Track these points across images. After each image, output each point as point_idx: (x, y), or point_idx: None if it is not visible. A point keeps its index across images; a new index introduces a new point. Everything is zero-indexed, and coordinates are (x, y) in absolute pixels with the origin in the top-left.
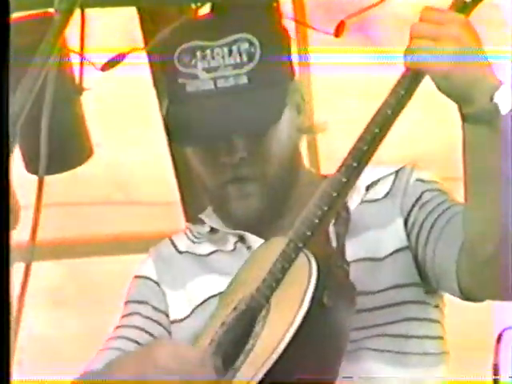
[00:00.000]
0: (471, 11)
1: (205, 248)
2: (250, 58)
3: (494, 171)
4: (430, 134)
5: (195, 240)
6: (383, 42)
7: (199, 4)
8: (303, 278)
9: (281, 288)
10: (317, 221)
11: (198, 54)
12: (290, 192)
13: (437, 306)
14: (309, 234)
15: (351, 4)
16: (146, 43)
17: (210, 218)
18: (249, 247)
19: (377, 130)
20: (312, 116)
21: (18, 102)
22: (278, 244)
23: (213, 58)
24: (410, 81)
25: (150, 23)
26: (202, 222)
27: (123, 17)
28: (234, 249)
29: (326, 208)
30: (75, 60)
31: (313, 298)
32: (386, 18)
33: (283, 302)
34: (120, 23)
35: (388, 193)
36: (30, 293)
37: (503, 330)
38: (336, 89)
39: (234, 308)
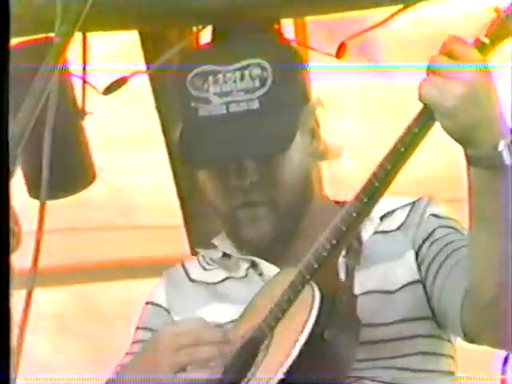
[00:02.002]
0: (489, 52)
1: (217, 275)
2: (262, 83)
3: (497, 217)
4: (432, 156)
5: (207, 267)
6: (384, 63)
7: (200, 27)
8: (305, 311)
9: (284, 319)
10: (325, 254)
11: (211, 78)
12: (302, 217)
13: (449, 340)
14: (316, 266)
15: (352, 25)
16: (148, 66)
17: (222, 243)
18: (260, 274)
19: (389, 167)
20: (325, 141)
21: (19, 124)
22: (290, 274)
23: (225, 82)
24: (425, 119)
25: (151, 46)
26: (215, 247)
27: (125, 40)
28: (246, 275)
29: (334, 241)
30: (77, 84)
31: (312, 332)
32: (387, 39)
33: (284, 334)
34: (122, 47)
35: (402, 225)
36: (34, 319)
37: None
38: (334, 110)
39: (242, 336)
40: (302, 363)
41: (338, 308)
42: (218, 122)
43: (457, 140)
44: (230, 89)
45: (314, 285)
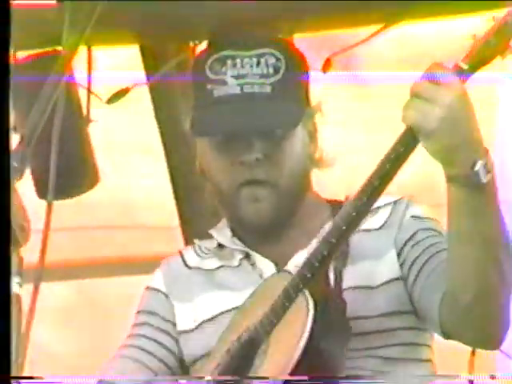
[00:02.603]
0: (468, 78)
1: (212, 263)
2: (276, 71)
3: (474, 231)
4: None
5: (202, 255)
6: (367, 80)
7: (197, 42)
8: (300, 323)
9: (280, 326)
10: (317, 264)
11: (229, 62)
12: (298, 205)
13: (427, 330)
14: (309, 276)
15: (338, 41)
16: (148, 78)
17: (219, 234)
18: (253, 264)
19: (376, 183)
20: (322, 149)
21: (29, 128)
22: (284, 279)
23: (242, 66)
24: (409, 138)
25: (151, 59)
26: (211, 237)
27: (127, 54)
28: (240, 265)
29: (325, 253)
30: (83, 93)
31: (308, 344)
32: (369, 56)
33: (281, 343)
34: (124, 60)
35: (384, 224)
36: (41, 311)
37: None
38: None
39: (239, 337)
40: (299, 372)
41: (330, 316)
42: (233, 101)
43: (437, 160)
44: (246, 72)
45: (308, 294)
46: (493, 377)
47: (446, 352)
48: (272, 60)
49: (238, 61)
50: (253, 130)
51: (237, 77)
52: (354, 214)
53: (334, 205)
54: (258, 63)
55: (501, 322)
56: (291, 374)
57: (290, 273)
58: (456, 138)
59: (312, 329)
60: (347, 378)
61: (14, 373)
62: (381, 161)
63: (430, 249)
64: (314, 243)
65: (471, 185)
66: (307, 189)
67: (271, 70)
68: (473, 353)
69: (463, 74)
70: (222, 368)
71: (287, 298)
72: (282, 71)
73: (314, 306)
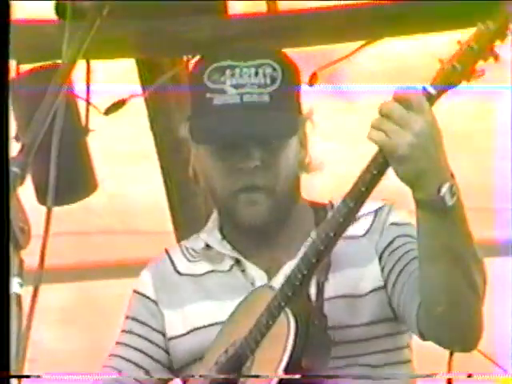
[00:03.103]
0: (436, 101)
1: (202, 267)
2: (273, 81)
3: (442, 250)
4: None
5: (191, 259)
6: (350, 93)
7: (190, 56)
8: (282, 341)
9: (264, 344)
10: (297, 283)
11: (228, 72)
12: (291, 209)
13: (406, 332)
14: (290, 294)
15: (324, 56)
16: (144, 90)
17: (208, 235)
18: (243, 270)
19: (352, 204)
20: (310, 155)
21: (30, 137)
22: (268, 294)
23: (241, 76)
24: (383, 160)
25: (146, 73)
26: (197, 238)
27: (123, 67)
28: (230, 269)
29: (305, 272)
30: (82, 105)
31: (290, 361)
32: (353, 70)
33: (264, 361)
34: (121, 73)
35: (367, 231)
36: (41, 312)
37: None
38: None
39: (226, 350)
40: None
41: (311, 333)
42: (232, 109)
43: (405, 183)
44: (245, 82)
45: (289, 312)
46: (470, 375)
47: (426, 352)
48: (269, 70)
49: (237, 70)
50: (252, 139)
51: (236, 86)
52: (332, 233)
53: (316, 207)
54: (257, 73)
55: (474, 326)
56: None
57: (273, 289)
58: (424, 164)
59: (293, 347)
60: (334, 377)
61: (14, 370)
62: (354, 183)
63: (406, 256)
64: (302, 252)
65: (438, 208)
66: (299, 193)
67: (269, 80)
68: (451, 352)
69: (431, 96)
70: (209, 382)
71: (270, 316)
72: (278, 81)
73: (295, 324)
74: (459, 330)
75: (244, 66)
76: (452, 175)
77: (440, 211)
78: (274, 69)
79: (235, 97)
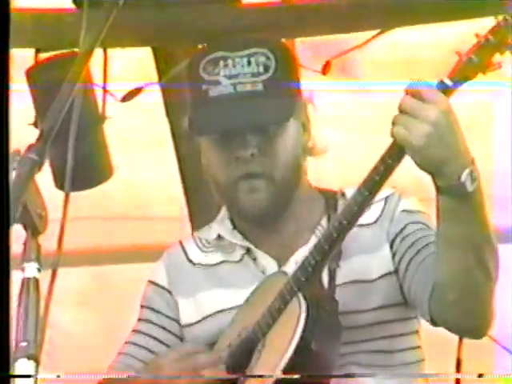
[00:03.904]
0: (452, 93)
1: (214, 257)
2: (266, 69)
3: (458, 235)
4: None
5: (204, 249)
6: (362, 82)
7: (204, 45)
8: (293, 325)
9: (275, 327)
10: (310, 269)
11: (221, 63)
12: (293, 194)
13: (416, 317)
14: (303, 280)
15: (336, 46)
16: (160, 78)
17: (219, 226)
18: (254, 259)
19: (367, 193)
20: (314, 138)
21: (48, 122)
22: (282, 280)
23: (234, 66)
24: (397, 150)
25: (162, 61)
26: (209, 229)
27: (140, 56)
28: (241, 259)
29: (318, 258)
30: (99, 92)
31: (300, 344)
32: (365, 60)
33: (275, 343)
34: (137, 61)
35: (378, 219)
36: (58, 294)
37: None
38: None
39: (239, 334)
40: (291, 371)
41: (322, 317)
42: (226, 100)
43: (425, 172)
44: (237, 72)
45: (301, 297)
46: (480, 375)
47: (435, 337)
48: (262, 59)
49: (230, 61)
50: (247, 127)
51: (229, 76)
52: (346, 222)
53: (327, 195)
54: (249, 63)
55: (486, 314)
56: (283, 373)
57: (286, 274)
58: (443, 152)
59: (303, 331)
60: (337, 376)
61: (33, 351)
62: (369, 172)
63: (419, 242)
64: (313, 240)
65: (458, 194)
66: (301, 178)
67: (262, 69)
68: (461, 338)
69: (448, 89)
70: (223, 362)
71: (282, 301)
72: (272, 69)
73: (307, 308)
74: (471, 316)
75: (236, 56)
76: (472, 161)
77: (461, 197)
78: (268, 57)
79: (229, 87)
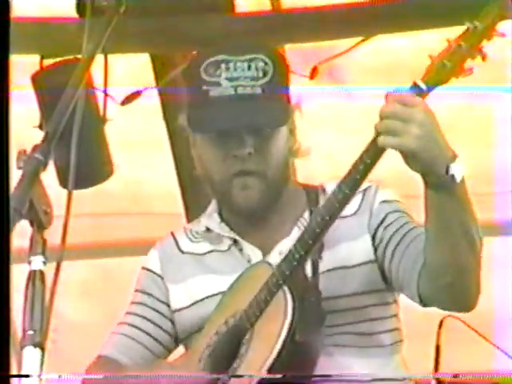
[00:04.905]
0: (426, 96)
1: (203, 247)
2: (265, 74)
3: (450, 225)
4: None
5: (194, 239)
6: (348, 86)
7: (204, 49)
8: (280, 316)
9: (263, 318)
10: (295, 263)
11: (223, 66)
12: (282, 191)
13: (395, 301)
14: (288, 273)
15: (324, 52)
16: (157, 82)
17: (208, 219)
18: (241, 250)
19: (347, 191)
20: (299, 142)
21: (53, 124)
22: (265, 270)
23: (235, 69)
24: (376, 151)
25: (160, 67)
26: (199, 222)
27: (139, 61)
28: (229, 249)
29: (302, 252)
30: (100, 96)
31: (286, 337)
32: (350, 64)
33: (263, 335)
34: (136, 67)
35: (357, 211)
36: (62, 286)
37: (444, 317)
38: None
39: (226, 321)
40: (279, 361)
41: (306, 309)
42: (227, 101)
43: (418, 172)
44: (238, 75)
45: (287, 290)
46: (456, 375)
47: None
48: (261, 64)
49: (231, 65)
50: (246, 128)
51: (230, 79)
52: (328, 217)
53: (308, 190)
54: (249, 67)
55: (475, 291)
56: (272, 363)
57: (270, 264)
58: (433, 150)
59: (291, 322)
60: (321, 376)
61: (39, 339)
62: (348, 170)
63: (401, 230)
64: (295, 231)
65: (447, 187)
66: (289, 177)
67: (261, 73)
68: (440, 325)
69: (422, 93)
70: (211, 348)
71: (269, 293)
72: (270, 74)
73: (293, 301)
74: (464, 296)
75: (238, 61)
76: (454, 153)
77: (450, 188)
78: (266, 63)
79: (230, 89)
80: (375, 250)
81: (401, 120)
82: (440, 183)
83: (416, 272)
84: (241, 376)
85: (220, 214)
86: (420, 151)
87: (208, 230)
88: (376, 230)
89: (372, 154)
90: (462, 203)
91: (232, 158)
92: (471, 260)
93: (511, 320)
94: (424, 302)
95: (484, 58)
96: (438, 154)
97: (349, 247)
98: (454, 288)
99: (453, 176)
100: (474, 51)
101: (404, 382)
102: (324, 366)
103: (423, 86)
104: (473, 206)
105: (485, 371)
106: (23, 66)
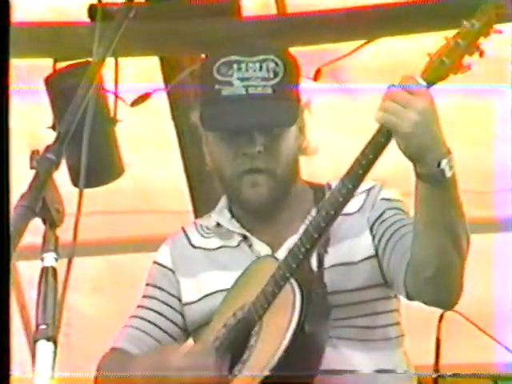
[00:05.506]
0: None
1: (213, 242)
2: (275, 74)
3: (435, 219)
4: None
5: (205, 234)
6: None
7: (207, 54)
8: (289, 308)
9: (271, 310)
10: (301, 256)
11: (235, 66)
12: (291, 189)
13: (396, 296)
14: (294, 266)
15: (328, 54)
16: (166, 84)
17: (218, 215)
18: (250, 245)
19: (350, 186)
20: (308, 140)
21: (65, 125)
22: (271, 264)
23: (247, 70)
24: (378, 146)
25: (168, 69)
26: (209, 217)
27: (148, 63)
28: (238, 245)
29: (308, 246)
30: (110, 97)
31: (296, 328)
32: (353, 66)
33: (272, 327)
34: (145, 69)
35: (360, 208)
36: (74, 281)
37: (444, 312)
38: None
39: (234, 314)
40: (288, 352)
41: (314, 300)
42: (238, 100)
43: (409, 158)
44: (250, 75)
45: (295, 283)
46: (455, 375)
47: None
48: (272, 65)
49: (243, 65)
50: (256, 127)
51: (242, 79)
52: (333, 212)
53: (315, 188)
54: (261, 68)
55: (457, 288)
56: (282, 354)
57: (276, 258)
58: (427, 140)
59: (300, 314)
60: (327, 372)
61: (51, 333)
62: (356, 157)
63: (395, 224)
64: (303, 229)
65: (437, 180)
66: (298, 175)
67: (272, 74)
68: (440, 319)
69: (422, 87)
70: (220, 341)
71: (276, 286)
72: (280, 75)
73: (301, 293)
74: (445, 291)
75: (249, 61)
76: (449, 150)
77: (439, 182)
78: (277, 64)
79: (241, 89)
80: (373, 241)
81: (402, 104)
82: (429, 175)
83: (404, 265)
84: (235, 375)
85: (230, 210)
86: (413, 137)
87: (218, 225)
88: (373, 224)
89: (374, 149)
90: (450, 199)
91: (242, 155)
92: (455, 256)
93: (511, 314)
94: (409, 296)
95: (481, 54)
96: (431, 146)
97: (353, 244)
98: (436, 282)
99: (442, 170)
100: (471, 48)
101: (406, 375)
102: (328, 357)
103: (422, 83)
104: (462, 204)
105: (485, 364)
106: (37, 69)
